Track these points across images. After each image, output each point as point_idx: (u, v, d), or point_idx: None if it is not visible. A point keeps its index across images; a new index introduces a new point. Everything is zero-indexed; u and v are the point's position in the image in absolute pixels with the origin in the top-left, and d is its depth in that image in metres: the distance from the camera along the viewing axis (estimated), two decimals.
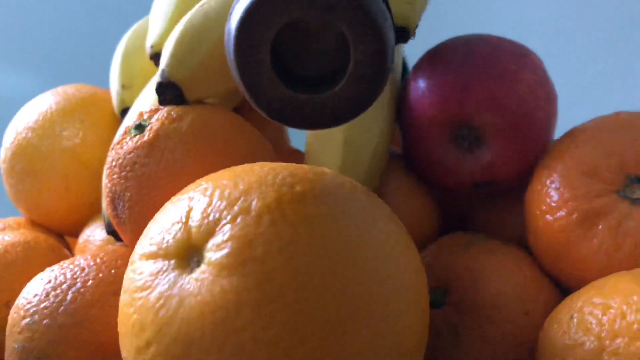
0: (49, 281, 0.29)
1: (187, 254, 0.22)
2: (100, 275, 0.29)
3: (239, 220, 0.21)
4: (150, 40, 0.39)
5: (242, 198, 0.22)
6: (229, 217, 0.21)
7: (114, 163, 0.31)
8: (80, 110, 0.44)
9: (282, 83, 0.19)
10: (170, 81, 0.32)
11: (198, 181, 0.25)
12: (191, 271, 0.21)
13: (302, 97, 0.19)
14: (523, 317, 0.30)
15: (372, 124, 0.33)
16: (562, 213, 0.30)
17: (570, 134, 0.32)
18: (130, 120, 0.33)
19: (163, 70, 0.32)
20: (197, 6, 0.35)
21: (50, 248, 0.36)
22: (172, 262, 0.22)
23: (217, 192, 0.22)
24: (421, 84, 0.35)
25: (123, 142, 0.32)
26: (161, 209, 0.25)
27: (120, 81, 0.44)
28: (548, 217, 0.31)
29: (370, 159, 0.32)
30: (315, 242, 0.21)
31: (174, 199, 0.24)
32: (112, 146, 0.32)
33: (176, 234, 0.22)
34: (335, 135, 0.32)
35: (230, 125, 0.32)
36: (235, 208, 0.21)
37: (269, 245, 0.20)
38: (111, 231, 0.37)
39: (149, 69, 0.45)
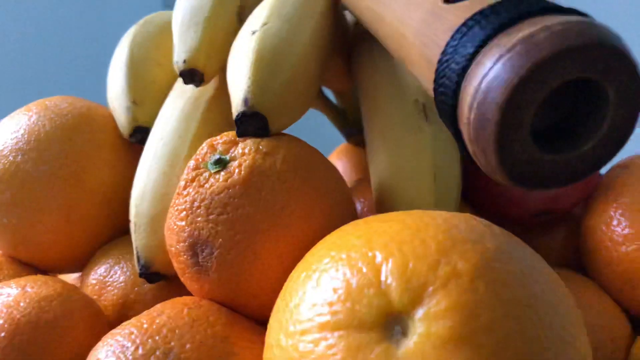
0: (137, 347, 0.24)
1: (386, 323, 0.19)
2: (198, 337, 0.25)
3: (451, 285, 0.19)
4: (181, 54, 0.35)
5: (442, 260, 0.20)
6: (437, 282, 0.19)
7: (196, 204, 0.27)
8: (80, 128, 0.38)
9: (535, 146, 0.17)
10: (256, 111, 0.28)
11: (361, 234, 0.22)
12: (398, 343, 0.19)
13: (547, 158, 0.18)
14: (611, 344, 0.31)
15: (454, 152, 0.32)
16: (638, 244, 0.31)
17: (633, 164, 0.34)
18: (197, 153, 0.30)
19: (247, 100, 0.28)
20: (253, 25, 0.32)
21: (83, 298, 0.31)
22: (372, 333, 0.19)
23: (407, 251, 0.20)
24: None
25: (201, 179, 0.28)
26: (313, 267, 0.22)
27: (130, 96, 0.39)
28: (623, 248, 0.32)
29: (457, 190, 0.32)
30: (527, 299, 0.20)
31: (333, 254, 0.22)
32: (184, 183, 0.28)
33: (370, 300, 0.20)
34: (422, 169, 0.31)
35: (316, 158, 0.29)
36: (441, 272, 0.19)
37: (493, 312, 0.19)
38: (149, 274, 0.33)
39: (162, 83, 0.40)
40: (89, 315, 0.30)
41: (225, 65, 0.37)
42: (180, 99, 0.38)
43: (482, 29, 0.18)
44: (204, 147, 0.29)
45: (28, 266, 0.39)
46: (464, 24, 0.19)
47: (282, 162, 0.28)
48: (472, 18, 0.19)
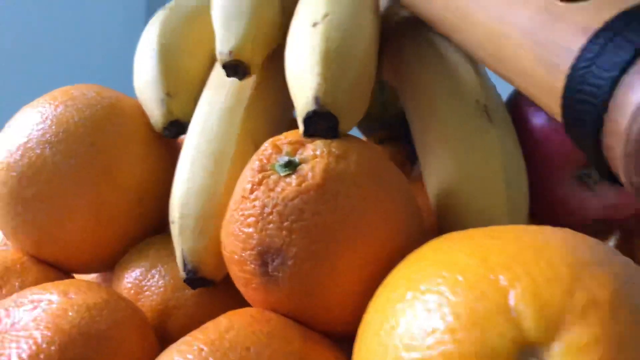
0: None
1: (520, 354, 0.18)
2: (276, 356, 0.23)
3: (590, 315, 0.18)
4: (226, 45, 0.32)
5: (576, 285, 0.18)
6: (574, 311, 0.18)
7: (267, 210, 0.25)
8: (110, 120, 0.36)
9: None
10: (327, 111, 0.26)
11: (472, 251, 0.21)
12: None
13: None
14: None
15: (520, 158, 0.31)
16: None
17: None
18: (259, 153, 0.27)
19: (317, 98, 0.26)
20: (311, 16, 0.30)
21: (131, 306, 0.29)
22: None
23: (535, 274, 0.19)
24: (547, 119, 0.33)
25: (269, 182, 0.26)
26: (423, 288, 0.20)
27: (164, 88, 0.36)
28: None
29: (526, 197, 0.30)
30: None
31: (445, 275, 0.20)
32: (250, 186, 0.26)
33: (502, 329, 0.18)
34: (493, 175, 0.29)
35: (385, 162, 0.28)
36: (577, 299, 0.18)
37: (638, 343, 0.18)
38: (195, 279, 0.31)
39: (194, 73, 0.38)
40: (139, 324, 0.28)
41: (265, 58, 0.35)
42: (220, 92, 0.35)
43: (636, 33, 0.17)
44: (267, 147, 0.27)
45: (53, 267, 0.36)
46: (607, 27, 0.18)
47: (355, 166, 0.26)
48: (616, 20, 0.18)
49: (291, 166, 0.26)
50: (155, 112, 0.36)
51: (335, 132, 0.27)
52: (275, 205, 0.25)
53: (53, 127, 0.34)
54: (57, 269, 0.36)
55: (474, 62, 0.36)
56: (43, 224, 0.34)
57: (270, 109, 0.36)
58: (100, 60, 1.18)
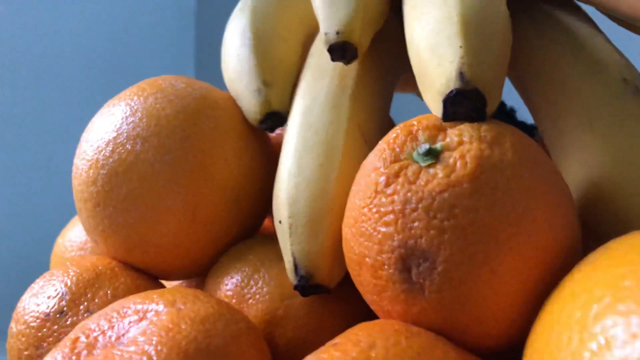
0: None
1: None
2: None
3: None
4: (333, 25, 0.29)
5: None
6: None
7: (411, 205, 0.22)
8: (204, 112, 0.33)
9: None
10: (475, 88, 0.23)
11: None
12: None
13: None
14: None
15: None
16: None
17: None
18: (390, 141, 0.24)
19: (462, 74, 0.23)
20: None
21: (245, 319, 0.25)
22: None
23: None
24: None
25: (408, 174, 0.22)
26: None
27: (260, 77, 0.33)
28: None
29: None
30: None
31: None
32: (384, 179, 0.23)
33: None
34: None
35: (539, 150, 0.24)
36: None
37: None
38: (309, 286, 0.27)
39: (289, 61, 0.35)
40: (255, 338, 0.25)
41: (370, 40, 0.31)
42: (321, 81, 0.32)
43: None
44: (399, 133, 0.24)
45: (142, 273, 0.34)
46: None
47: (513, 154, 0.22)
48: None
49: (433, 154, 0.22)
50: (251, 103, 0.33)
51: (483, 113, 0.23)
52: (420, 200, 0.22)
53: (144, 120, 0.32)
54: (146, 275, 0.34)
55: (605, 36, 0.32)
56: (135, 227, 0.32)
57: (375, 97, 0.33)
58: (150, 61, 1.17)
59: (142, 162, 0.31)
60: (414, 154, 0.23)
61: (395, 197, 0.22)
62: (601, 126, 0.27)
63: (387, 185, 0.23)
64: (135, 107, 0.32)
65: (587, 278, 0.19)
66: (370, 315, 0.31)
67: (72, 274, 0.32)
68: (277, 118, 0.33)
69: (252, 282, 0.30)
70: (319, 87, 0.32)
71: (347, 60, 0.30)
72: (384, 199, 0.22)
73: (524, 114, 0.51)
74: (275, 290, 0.30)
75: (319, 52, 0.34)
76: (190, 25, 1.23)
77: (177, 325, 0.23)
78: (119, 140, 0.31)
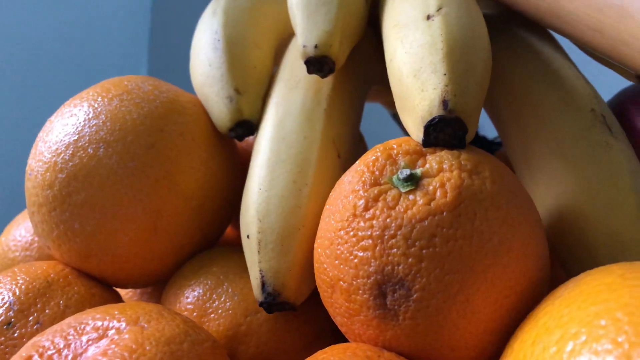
0: None
1: None
2: None
3: None
4: (312, 38, 0.29)
5: None
6: None
7: (389, 232, 0.21)
8: (171, 118, 0.31)
9: None
10: (457, 117, 0.23)
11: None
12: None
13: None
14: None
15: None
16: None
17: None
18: (369, 164, 0.24)
19: (446, 102, 0.23)
20: (420, 8, 0.26)
21: (210, 338, 0.25)
22: None
23: None
24: None
25: (388, 199, 0.22)
26: (620, 340, 0.16)
27: (233, 83, 0.32)
28: None
29: None
30: None
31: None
32: (364, 203, 0.22)
33: None
34: (623, 195, 0.26)
35: (515, 177, 0.24)
36: None
37: None
38: (275, 303, 0.27)
39: (262, 69, 0.34)
40: (221, 359, 0.24)
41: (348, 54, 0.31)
42: (296, 91, 0.31)
43: None
44: (378, 156, 0.24)
45: (97, 281, 0.32)
46: None
47: (491, 183, 0.22)
48: None
49: (413, 181, 0.22)
50: (221, 111, 0.32)
51: (463, 141, 0.23)
52: (399, 227, 0.21)
53: (108, 123, 0.30)
54: (101, 284, 0.32)
55: (575, 65, 0.33)
56: (93, 234, 0.30)
57: (348, 111, 0.33)
58: (104, 59, 1.12)
59: (104, 168, 0.30)
60: (394, 179, 0.23)
61: (374, 222, 0.22)
62: (573, 156, 0.28)
63: (366, 209, 0.22)
64: (99, 109, 0.31)
65: (560, 313, 0.19)
66: (334, 334, 0.30)
67: (20, 281, 0.30)
68: (247, 127, 0.32)
69: (214, 296, 0.30)
70: (292, 98, 0.31)
71: (324, 74, 0.30)
72: (362, 223, 0.22)
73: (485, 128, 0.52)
74: (239, 305, 0.29)
75: (292, 63, 0.33)
76: (146, 21, 1.19)
77: (141, 346, 0.22)
78: (81, 144, 0.30)
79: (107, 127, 0.30)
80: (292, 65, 0.33)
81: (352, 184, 0.24)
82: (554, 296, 0.21)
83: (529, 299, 0.22)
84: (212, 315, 0.29)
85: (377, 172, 0.23)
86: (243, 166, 0.36)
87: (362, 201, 0.22)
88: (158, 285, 0.34)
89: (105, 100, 0.31)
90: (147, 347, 0.22)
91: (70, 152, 0.30)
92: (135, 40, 1.14)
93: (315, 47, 0.29)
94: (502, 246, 0.21)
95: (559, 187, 0.28)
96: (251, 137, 0.37)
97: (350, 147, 0.32)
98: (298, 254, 0.27)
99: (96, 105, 0.31)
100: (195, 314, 0.29)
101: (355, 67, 0.34)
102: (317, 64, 0.29)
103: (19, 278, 0.30)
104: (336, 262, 0.23)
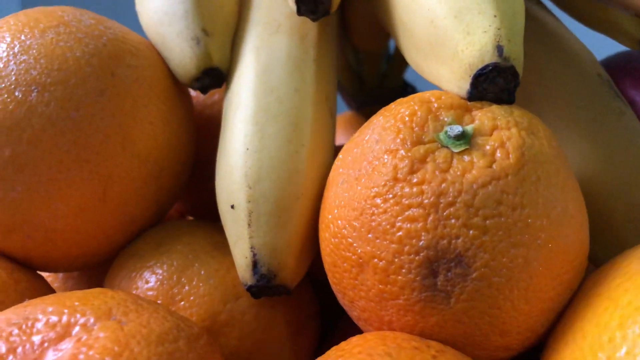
0: None
1: None
2: None
3: None
4: None
5: None
6: None
7: (447, 199, 0.18)
8: (123, 60, 0.25)
9: None
10: (512, 65, 0.19)
11: None
12: None
13: None
14: None
15: None
16: None
17: None
18: (405, 118, 0.20)
19: (501, 48, 0.19)
20: None
21: (203, 332, 0.19)
22: None
23: None
24: None
25: (438, 160, 0.18)
26: None
27: (200, 22, 0.26)
28: None
29: None
30: None
31: None
32: (408, 163, 0.18)
33: None
34: None
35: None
36: None
37: None
38: (270, 287, 0.22)
39: (230, 8, 0.28)
40: (217, 355, 0.19)
41: None
42: (278, 36, 0.27)
43: None
44: (416, 109, 0.20)
45: (18, 263, 0.25)
46: None
47: (549, 144, 0.19)
48: None
49: (465, 139, 0.19)
50: (185, 55, 0.26)
51: (513, 95, 0.20)
52: (458, 193, 0.18)
53: (42, 61, 0.23)
54: (24, 267, 0.25)
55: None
56: (18, 203, 0.23)
57: (334, 64, 0.28)
58: None
59: (37, 117, 0.23)
60: (441, 136, 0.19)
61: (425, 187, 0.18)
62: (584, 122, 0.26)
63: (412, 172, 0.18)
64: (29, 43, 0.24)
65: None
66: (322, 322, 0.27)
67: None
68: (216, 76, 0.27)
69: (183, 279, 0.24)
70: (276, 45, 0.26)
71: (317, 16, 0.25)
72: (407, 189, 0.18)
73: None
74: (216, 290, 0.24)
75: (268, 3, 0.28)
76: None
77: (126, 348, 0.17)
78: (4, 85, 0.23)
79: (42, 66, 0.23)
80: (269, 5, 0.28)
81: (384, 142, 0.19)
82: (621, 273, 0.18)
83: (582, 275, 0.20)
84: (182, 303, 0.24)
85: (416, 128, 0.19)
86: (202, 125, 0.30)
87: (405, 162, 0.19)
88: (99, 268, 0.28)
89: (36, 32, 0.24)
90: (136, 349, 0.17)
91: None
92: None
93: None
94: (565, 215, 0.19)
95: (573, 154, 0.26)
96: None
97: (336, 104, 0.28)
98: (297, 228, 0.23)
99: (23, 38, 0.24)
100: (159, 301, 0.24)
101: (334, 14, 0.30)
102: (311, 3, 0.25)
103: None
104: (369, 235, 0.19)
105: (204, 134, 0.30)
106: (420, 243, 0.18)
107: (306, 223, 0.23)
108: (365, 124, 0.22)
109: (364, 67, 0.46)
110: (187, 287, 0.24)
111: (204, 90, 0.27)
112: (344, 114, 0.51)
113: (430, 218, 0.18)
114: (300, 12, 0.25)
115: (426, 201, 0.18)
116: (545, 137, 0.19)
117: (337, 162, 0.22)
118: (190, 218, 0.36)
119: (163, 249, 0.25)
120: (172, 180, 0.27)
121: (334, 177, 0.22)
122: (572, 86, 0.27)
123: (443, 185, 0.18)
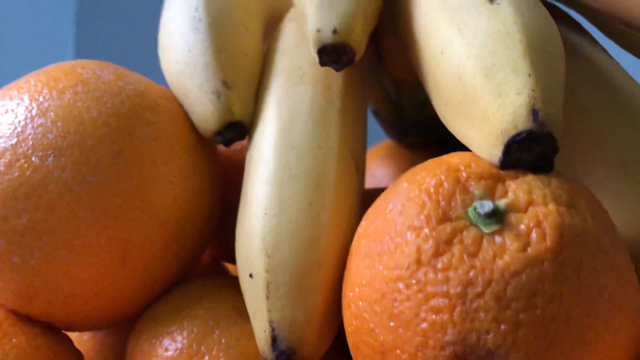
0: None
1: None
2: None
3: None
4: (331, 20, 0.23)
5: None
6: None
7: (475, 289, 0.16)
8: (142, 117, 0.24)
9: None
10: (549, 132, 0.17)
11: None
12: None
13: None
14: None
15: None
16: None
17: None
18: (431, 190, 0.18)
19: (536, 112, 0.17)
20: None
21: None
22: None
23: None
24: None
25: (466, 242, 0.17)
26: None
27: (221, 74, 0.25)
28: None
29: None
30: None
31: None
32: (433, 245, 0.17)
33: None
34: None
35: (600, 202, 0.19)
36: None
37: None
38: None
39: (253, 56, 0.27)
40: None
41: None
42: (301, 87, 0.25)
43: None
44: (442, 180, 0.18)
45: (42, 326, 0.25)
46: None
47: (592, 219, 0.17)
48: None
49: (497, 217, 0.17)
50: (207, 110, 0.25)
51: (551, 163, 0.18)
52: (487, 283, 0.16)
53: (59, 124, 0.23)
54: (47, 329, 0.25)
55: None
56: (38, 270, 0.23)
57: (361, 114, 0.27)
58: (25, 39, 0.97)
59: (54, 183, 0.22)
60: (470, 213, 0.17)
61: (451, 273, 0.16)
62: (637, 172, 0.23)
63: (437, 254, 0.17)
64: (46, 105, 0.23)
65: None
66: None
67: None
68: (238, 130, 0.26)
69: (203, 349, 0.23)
70: (298, 96, 0.25)
71: (341, 66, 0.24)
72: (431, 274, 0.17)
73: None
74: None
75: (292, 49, 0.27)
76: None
77: None
78: (21, 150, 0.23)
79: (58, 129, 0.23)
80: (292, 53, 0.27)
81: (408, 216, 0.18)
82: None
83: None
84: None
85: (443, 202, 0.18)
86: (227, 177, 0.29)
87: (429, 244, 0.17)
88: (124, 325, 0.27)
89: (54, 92, 0.24)
90: None
91: (7, 161, 0.22)
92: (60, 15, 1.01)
93: (334, 31, 0.23)
94: (612, 304, 0.16)
95: (624, 210, 0.23)
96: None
97: (364, 158, 0.26)
98: (318, 300, 0.21)
99: (41, 99, 0.23)
100: None
101: (362, 59, 0.29)
102: (334, 53, 0.23)
103: None
104: (391, 323, 0.17)
105: (233, 179, 0.29)
106: (446, 337, 0.16)
107: (328, 294, 0.21)
108: (390, 188, 0.20)
109: (403, 96, 0.44)
110: (206, 357, 0.23)
111: (226, 143, 0.26)
112: (384, 143, 0.49)
113: (457, 310, 0.16)
114: (322, 62, 0.23)
115: (452, 291, 0.16)
116: (588, 211, 0.17)
117: (360, 229, 0.21)
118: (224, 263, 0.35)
119: (184, 313, 0.24)
120: (195, 238, 0.26)
121: (356, 247, 0.20)
122: (619, 126, 0.24)
123: (471, 273, 0.16)
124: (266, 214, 0.22)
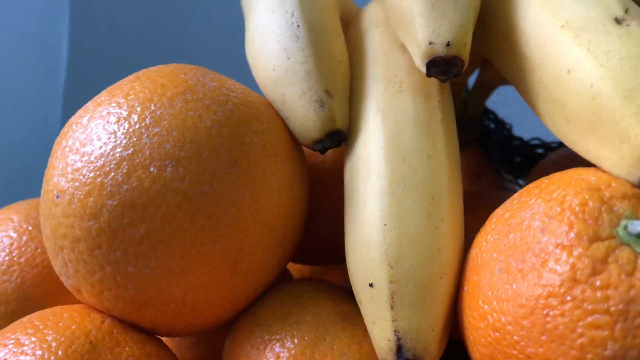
0: None
1: None
2: None
3: None
4: (444, 32, 0.23)
5: None
6: None
7: (636, 307, 0.17)
8: (250, 126, 0.24)
9: None
10: None
11: None
12: None
13: None
14: None
15: None
16: None
17: None
18: (576, 209, 0.18)
19: None
20: (602, 6, 0.21)
21: None
22: None
23: None
24: None
25: (621, 261, 0.17)
26: None
27: (323, 83, 0.26)
28: None
29: None
30: None
31: None
32: (589, 264, 0.17)
33: None
34: None
35: None
36: None
37: None
38: None
39: (346, 63, 0.27)
40: None
41: None
42: (402, 96, 0.26)
43: None
44: (587, 199, 0.19)
45: (147, 333, 0.25)
46: None
47: None
48: None
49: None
50: (309, 118, 0.25)
51: None
52: (624, 312, 0.17)
53: (174, 133, 0.23)
54: (152, 337, 0.25)
55: None
56: (152, 279, 0.23)
57: (454, 122, 0.27)
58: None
59: (173, 193, 0.22)
60: (620, 232, 0.18)
61: (611, 291, 0.17)
62: None
63: (594, 274, 0.17)
64: (159, 113, 0.23)
65: None
66: None
67: (53, 344, 0.22)
68: (337, 137, 0.26)
69: (316, 356, 0.24)
70: (401, 105, 0.25)
71: (448, 78, 0.24)
72: (589, 292, 0.17)
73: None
74: None
75: (386, 56, 0.27)
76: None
77: None
78: (139, 160, 0.22)
79: (174, 139, 0.23)
80: (384, 61, 0.27)
81: (553, 234, 0.18)
82: None
83: None
84: None
85: (590, 221, 0.18)
86: (315, 183, 0.30)
87: (584, 262, 0.18)
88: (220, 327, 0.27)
89: (164, 100, 0.24)
90: None
91: (125, 171, 0.22)
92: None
93: (448, 45, 0.23)
94: None
95: None
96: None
97: (460, 167, 0.27)
98: (441, 309, 0.22)
99: (153, 107, 0.23)
100: None
101: None
102: (444, 65, 0.23)
103: (48, 338, 0.23)
104: (542, 337, 0.18)
105: None
106: (606, 352, 0.17)
107: (448, 304, 0.22)
108: (515, 202, 0.21)
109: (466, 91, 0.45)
110: None
111: (323, 151, 0.26)
112: None
113: (618, 327, 0.17)
114: (430, 74, 0.24)
115: (613, 308, 0.17)
116: None
117: (482, 241, 0.21)
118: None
119: (291, 320, 0.25)
120: (294, 244, 0.27)
121: (485, 260, 0.21)
122: None
123: (632, 291, 0.17)
124: (385, 224, 0.23)
